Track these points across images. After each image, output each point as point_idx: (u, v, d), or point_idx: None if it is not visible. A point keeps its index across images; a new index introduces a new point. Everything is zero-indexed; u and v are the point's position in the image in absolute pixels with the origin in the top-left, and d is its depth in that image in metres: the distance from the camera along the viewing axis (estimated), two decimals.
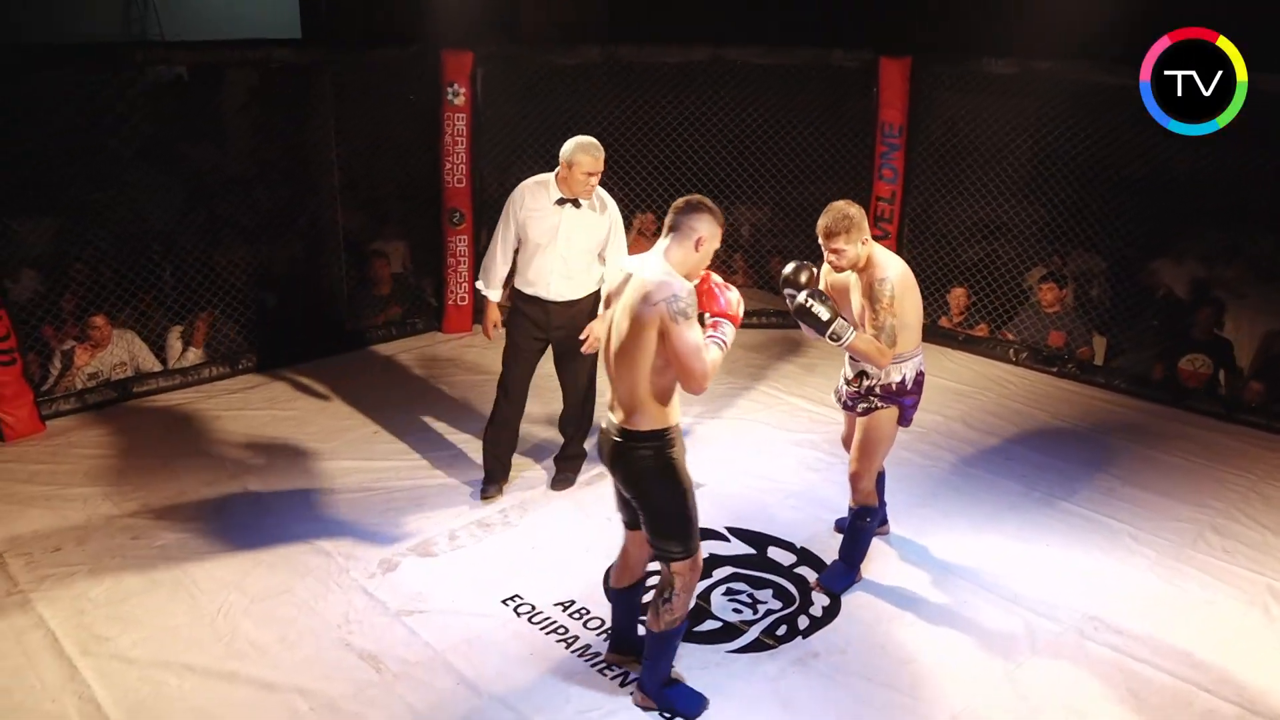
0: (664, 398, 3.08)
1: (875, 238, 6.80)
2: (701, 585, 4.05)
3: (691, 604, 3.27)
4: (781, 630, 3.81)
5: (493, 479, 4.74)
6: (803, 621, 3.87)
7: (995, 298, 6.82)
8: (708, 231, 3.13)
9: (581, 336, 4.42)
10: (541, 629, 3.78)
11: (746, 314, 8.51)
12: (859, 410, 4.00)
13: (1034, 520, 4.64)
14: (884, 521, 4.45)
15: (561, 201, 4.38)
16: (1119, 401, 6.10)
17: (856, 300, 3.89)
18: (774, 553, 4.33)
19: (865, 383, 3.93)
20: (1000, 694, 3.47)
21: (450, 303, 6.96)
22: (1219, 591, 4.12)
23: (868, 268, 3.75)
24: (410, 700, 3.38)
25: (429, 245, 7.04)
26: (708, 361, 2.99)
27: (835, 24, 7.99)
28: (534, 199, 4.41)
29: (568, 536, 4.43)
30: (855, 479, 4.01)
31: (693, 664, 3.60)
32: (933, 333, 7.02)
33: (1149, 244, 6.77)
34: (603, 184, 4.45)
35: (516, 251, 4.54)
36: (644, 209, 7.79)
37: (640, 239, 8.04)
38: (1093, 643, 3.77)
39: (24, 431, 5.24)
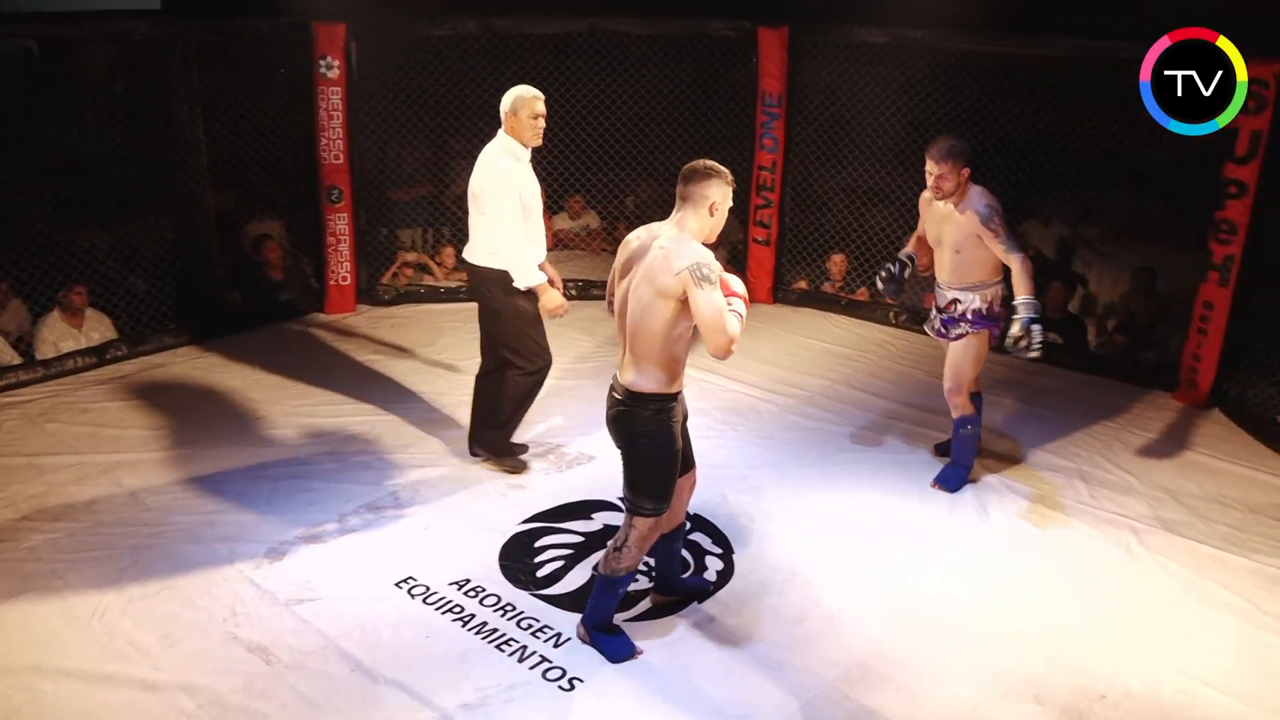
0: (671, 366, 3.22)
1: (758, 206, 6.99)
2: (597, 555, 4.08)
3: (640, 561, 3.45)
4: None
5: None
6: None
7: (875, 263, 6.99)
8: (719, 195, 3.19)
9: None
10: (437, 610, 3.75)
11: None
12: (953, 336, 4.51)
13: (916, 476, 4.80)
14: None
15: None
16: (992, 359, 6.27)
17: (946, 230, 4.37)
18: None
19: (959, 307, 4.45)
20: (888, 647, 3.59)
21: (332, 283, 6.78)
22: (1085, 534, 4.35)
23: (962, 198, 4.29)
24: (304, 690, 3.31)
25: (307, 224, 6.83)
26: (731, 327, 3.07)
27: None
28: (522, 166, 4.36)
29: (461, 515, 4.38)
30: (952, 395, 4.56)
31: None
32: (816, 298, 7.18)
33: (1018, 207, 7.04)
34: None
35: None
36: None
37: None
38: (971, 589, 3.94)
39: None
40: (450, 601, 3.79)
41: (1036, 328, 4.23)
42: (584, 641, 3.56)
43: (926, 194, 4.46)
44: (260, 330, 6.47)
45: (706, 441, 5.07)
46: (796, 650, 3.57)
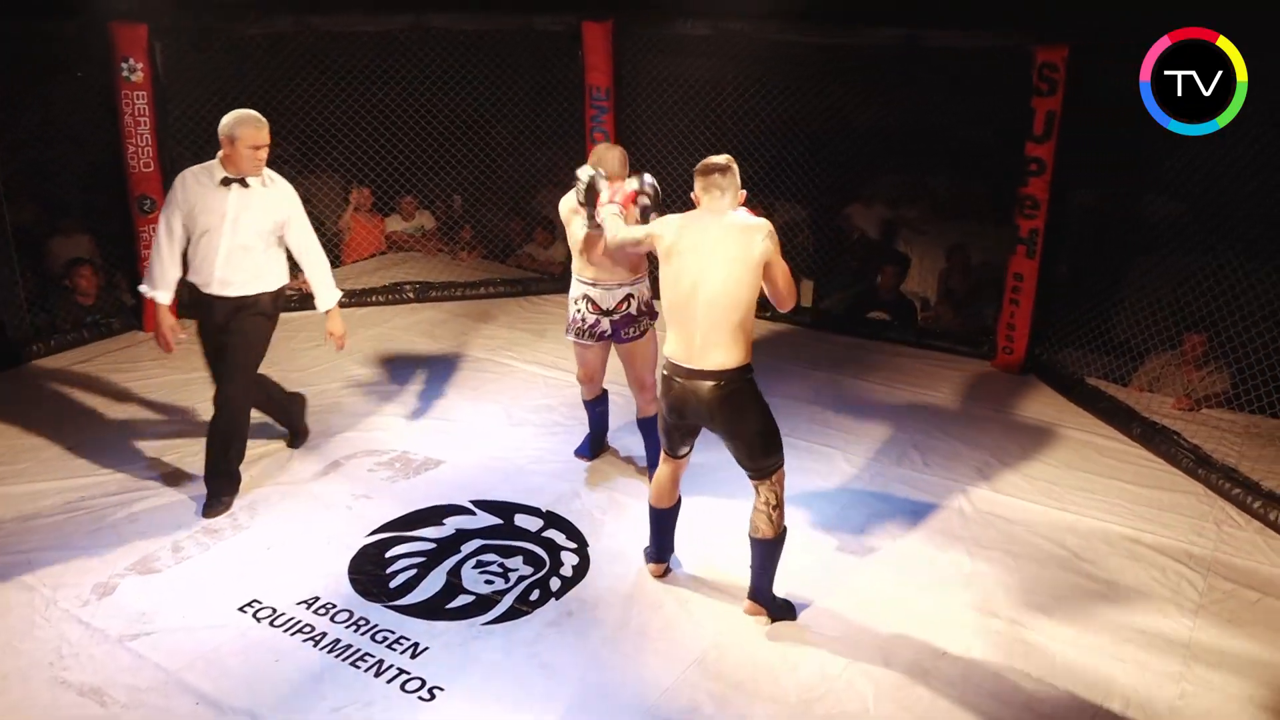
0: (752, 332, 3.51)
1: None
2: (451, 560, 4.02)
3: None
4: (535, 595, 3.85)
5: (222, 491, 4.40)
6: (555, 583, 3.92)
7: None
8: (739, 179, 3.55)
9: (327, 338, 4.53)
10: (285, 631, 3.60)
11: (473, 284, 8.33)
12: (627, 336, 4.37)
13: None
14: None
15: (227, 181, 4.11)
16: (826, 339, 6.58)
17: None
18: (521, 519, 4.35)
19: (632, 303, 4.35)
20: (742, 626, 3.68)
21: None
22: (922, 500, 4.57)
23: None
24: None
25: (118, 237, 6.43)
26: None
27: None
28: (197, 183, 4.13)
29: (305, 531, 4.23)
30: (651, 390, 4.40)
31: (450, 641, 3.56)
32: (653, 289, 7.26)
33: (842, 192, 7.33)
34: (310, 158, 4.25)
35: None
36: (359, 183, 7.52)
37: (357, 215, 7.75)
38: (817, 562, 4.08)
39: None
40: (299, 621, 3.66)
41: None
42: (755, 616, 3.69)
43: (571, 200, 4.24)
44: (73, 352, 6.05)
45: (554, 437, 5.08)
46: (655, 636, 3.62)
